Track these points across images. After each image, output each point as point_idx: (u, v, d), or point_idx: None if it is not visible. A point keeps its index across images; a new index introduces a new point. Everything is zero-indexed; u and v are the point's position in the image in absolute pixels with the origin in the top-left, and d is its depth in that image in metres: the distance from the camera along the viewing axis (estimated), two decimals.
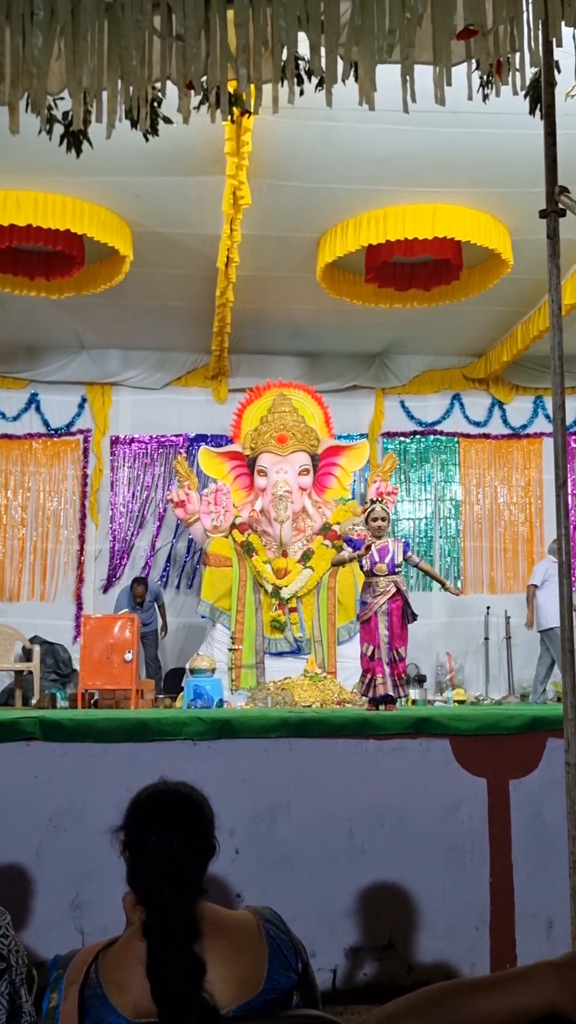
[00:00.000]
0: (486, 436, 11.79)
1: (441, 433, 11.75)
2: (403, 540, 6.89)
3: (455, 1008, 1.48)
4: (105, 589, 11.20)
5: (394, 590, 6.59)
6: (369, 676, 6.61)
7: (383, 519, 6.79)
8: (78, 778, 4.58)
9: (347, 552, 7.08)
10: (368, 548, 6.74)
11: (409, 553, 6.76)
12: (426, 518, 11.66)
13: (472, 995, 1.50)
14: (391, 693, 6.48)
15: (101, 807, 4.40)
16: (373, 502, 7.04)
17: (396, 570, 6.67)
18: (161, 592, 10.88)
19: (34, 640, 10.22)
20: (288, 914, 4.21)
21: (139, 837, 2.03)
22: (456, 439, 11.77)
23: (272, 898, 4.45)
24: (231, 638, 9.48)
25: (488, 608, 11.25)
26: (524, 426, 11.76)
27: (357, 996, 4.39)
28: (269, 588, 9.53)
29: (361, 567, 6.85)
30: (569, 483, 10.11)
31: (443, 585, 7.10)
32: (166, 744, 4.66)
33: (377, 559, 6.64)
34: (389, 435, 11.72)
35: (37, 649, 9.86)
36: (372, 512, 6.85)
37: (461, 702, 9.70)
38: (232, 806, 4.54)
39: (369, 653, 6.61)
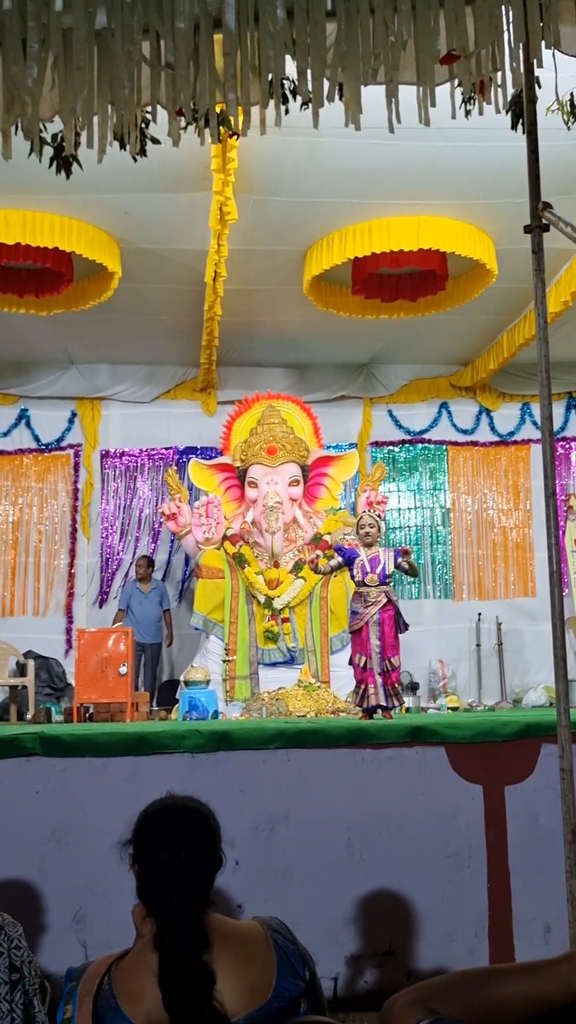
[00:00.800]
0: (474, 444, 11.87)
1: (429, 441, 11.83)
2: (393, 549, 6.89)
3: (489, 990, 1.60)
4: (100, 604, 11.22)
5: (385, 600, 6.62)
6: (362, 687, 6.64)
7: (371, 526, 6.82)
8: (79, 793, 4.63)
9: (334, 562, 7.12)
10: (337, 567, 6.83)
11: (400, 560, 6.77)
12: (416, 526, 11.72)
13: (505, 979, 1.62)
14: (383, 703, 6.49)
15: (103, 821, 4.45)
16: (362, 513, 7.11)
17: (387, 580, 6.70)
18: (167, 595, 10.93)
19: (28, 655, 10.24)
20: (289, 923, 4.26)
21: (149, 850, 2.07)
22: (444, 447, 11.85)
23: (273, 907, 4.50)
24: (225, 649, 9.52)
25: (479, 615, 11.32)
26: (511, 433, 11.85)
27: (359, 1003, 4.44)
28: (262, 599, 9.58)
29: (352, 577, 6.87)
30: (557, 489, 10.20)
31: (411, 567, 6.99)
32: (165, 757, 4.71)
33: (368, 569, 6.68)
34: (378, 444, 11.80)
35: (32, 664, 9.87)
36: (361, 520, 6.90)
37: (455, 709, 9.75)
38: (232, 817, 4.55)
39: (362, 664, 6.63)
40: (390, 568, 6.72)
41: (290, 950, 2.13)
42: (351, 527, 9.84)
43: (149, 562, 10.79)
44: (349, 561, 6.88)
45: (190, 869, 2.04)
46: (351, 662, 6.81)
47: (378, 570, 6.66)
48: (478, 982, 1.61)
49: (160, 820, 2.12)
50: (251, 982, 2.02)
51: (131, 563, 11.17)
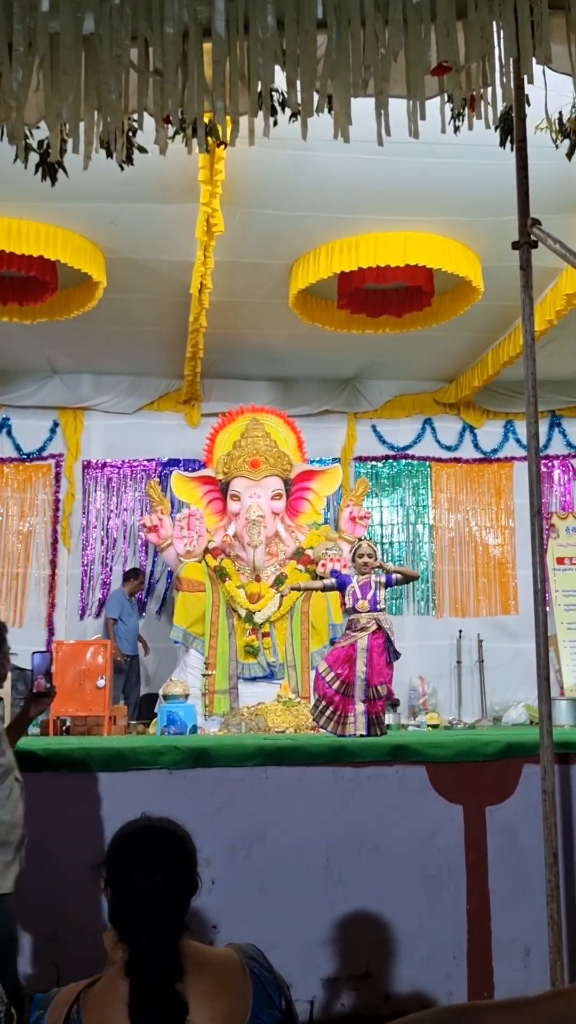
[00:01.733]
0: (457, 460, 11.85)
1: (413, 457, 11.81)
2: (383, 575, 6.79)
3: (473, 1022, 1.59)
4: (81, 616, 11.13)
5: (375, 627, 6.54)
6: (331, 708, 6.46)
7: (370, 555, 6.75)
8: (53, 809, 4.54)
9: (328, 582, 7.06)
10: (329, 588, 6.82)
11: (392, 577, 6.72)
12: (399, 542, 11.69)
13: (488, 1016, 1.61)
14: (364, 733, 6.34)
15: (78, 838, 4.38)
16: (360, 539, 7.04)
17: (378, 607, 6.64)
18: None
19: None
20: (265, 944, 4.19)
21: (122, 874, 2.01)
22: (428, 463, 11.83)
23: (249, 929, 4.44)
24: (204, 663, 9.45)
25: (460, 631, 11.28)
26: (495, 450, 11.85)
27: None
28: (242, 613, 9.51)
29: (343, 604, 6.80)
30: (542, 508, 10.18)
31: (405, 575, 6.99)
32: (142, 773, 4.64)
33: (359, 596, 6.61)
34: (361, 459, 11.77)
35: (8, 675, 9.76)
36: (359, 549, 6.81)
37: (435, 726, 9.70)
38: (208, 836, 4.51)
39: (335, 685, 6.46)
40: (381, 594, 6.65)
41: (266, 979, 2.06)
42: (333, 541, 9.80)
43: (141, 582, 10.77)
44: (341, 587, 6.82)
45: (165, 893, 1.98)
46: (318, 672, 6.67)
47: (369, 596, 6.60)
48: (461, 1019, 1.57)
49: (134, 842, 2.06)
50: (227, 1012, 1.96)
51: (103, 574, 11.10)
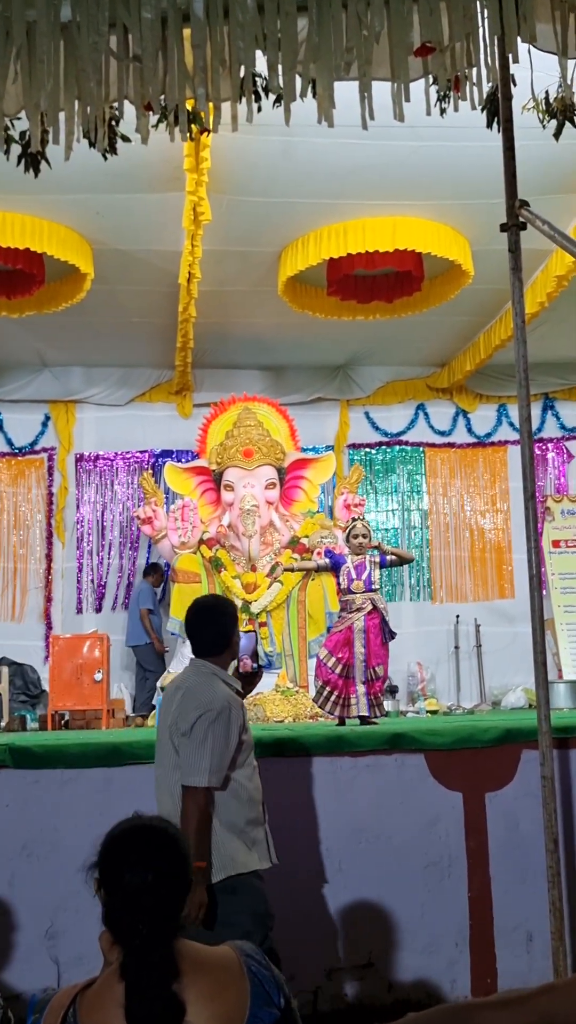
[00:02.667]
0: (451, 445, 11.82)
1: (406, 443, 11.78)
2: (377, 555, 6.79)
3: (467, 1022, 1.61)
4: (78, 610, 11.09)
5: (371, 607, 6.54)
6: (335, 692, 6.48)
7: (364, 536, 6.74)
8: (51, 805, 4.52)
9: (322, 561, 7.04)
10: (323, 568, 6.78)
11: (386, 558, 6.72)
12: (394, 528, 11.67)
13: (482, 1013, 1.62)
14: (366, 714, 6.37)
15: (75, 834, 4.35)
16: (354, 520, 7.00)
17: (373, 587, 6.63)
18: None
19: (2, 661, 10.11)
20: None
21: (113, 875, 1.98)
22: (421, 449, 11.80)
23: None
24: None
25: (458, 617, 11.27)
26: (488, 434, 11.81)
27: (338, 1017, 4.36)
28: (239, 603, 9.48)
29: (338, 584, 6.78)
30: (536, 491, 10.15)
31: (400, 556, 6.99)
32: (139, 768, 4.60)
33: (354, 576, 6.60)
34: (355, 447, 11.73)
35: (5, 671, 9.74)
36: (353, 529, 6.80)
37: (433, 712, 9.70)
38: None
39: (337, 669, 6.48)
40: (376, 574, 6.64)
41: (264, 976, 2.03)
42: (328, 529, 9.77)
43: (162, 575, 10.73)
44: (336, 566, 6.80)
45: (157, 893, 1.94)
46: (319, 659, 6.67)
47: (364, 576, 6.59)
48: (456, 1018, 1.56)
49: (125, 842, 2.02)
50: (224, 1012, 1.93)
51: (98, 567, 11.08)
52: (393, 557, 6.83)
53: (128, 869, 1.96)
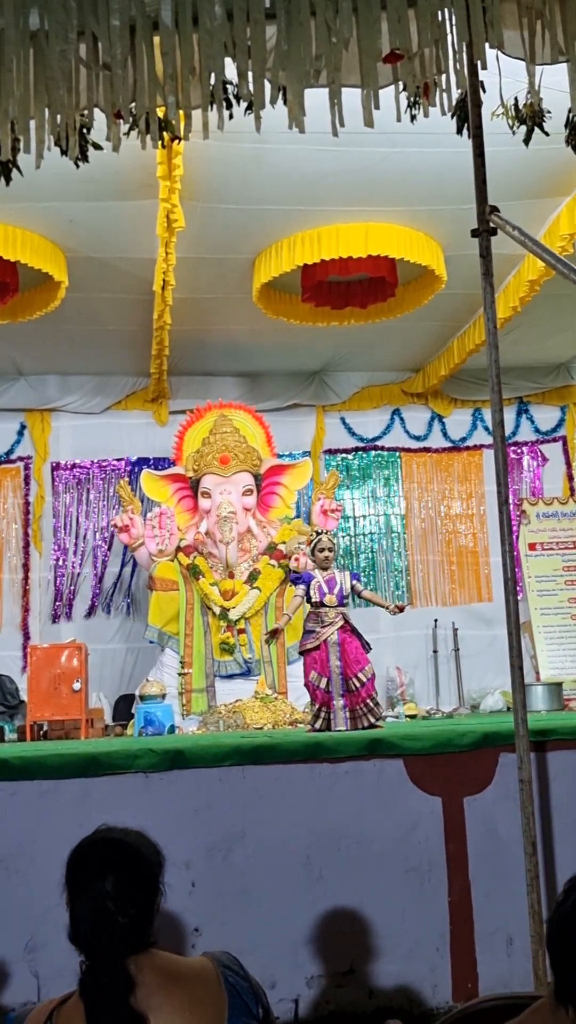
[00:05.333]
0: (427, 450, 11.85)
1: (382, 448, 11.80)
2: (350, 571, 6.79)
3: None
4: (55, 619, 11.03)
5: (342, 621, 6.53)
6: (323, 709, 6.44)
7: (330, 550, 6.73)
8: (29, 817, 4.49)
9: (297, 600, 6.91)
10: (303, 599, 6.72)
11: (356, 583, 6.71)
12: (371, 534, 11.68)
13: None
14: (342, 728, 6.30)
15: (54, 846, 4.29)
16: (318, 533, 6.97)
17: (344, 601, 6.62)
18: None
19: None
20: (248, 945, 4.18)
21: (75, 888, 1.97)
22: (397, 454, 11.82)
23: (231, 930, 4.41)
24: (180, 662, 9.39)
25: (436, 621, 11.30)
26: (464, 439, 11.85)
27: None
28: (217, 610, 9.46)
29: (308, 599, 6.72)
30: (511, 495, 10.20)
31: (387, 608, 6.97)
32: (118, 778, 4.59)
33: (326, 590, 6.58)
34: (331, 452, 11.74)
35: None
36: (319, 543, 6.78)
37: (412, 716, 9.70)
38: (187, 838, 4.48)
39: (323, 686, 6.45)
40: (347, 588, 6.64)
41: (243, 987, 2.02)
42: (305, 535, 9.76)
43: None
44: (306, 583, 6.76)
45: (116, 908, 1.92)
46: (307, 683, 6.64)
47: (335, 590, 6.57)
48: None
49: (83, 857, 2.01)
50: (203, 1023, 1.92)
51: (75, 576, 11.04)
52: (367, 597, 6.90)
53: (88, 882, 1.95)
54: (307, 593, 6.69)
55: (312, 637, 6.54)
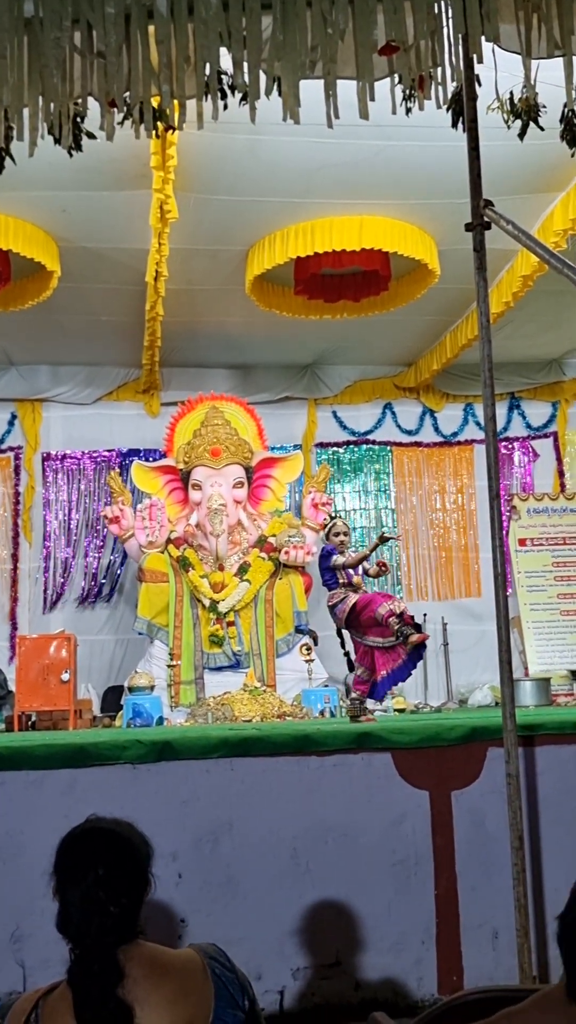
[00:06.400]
0: (418, 444, 11.85)
1: (374, 442, 11.80)
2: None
3: None
4: (44, 609, 11.01)
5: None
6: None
7: (345, 534, 6.82)
8: (16, 808, 4.48)
9: (343, 558, 7.07)
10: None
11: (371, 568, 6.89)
12: (361, 528, 11.68)
13: None
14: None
15: (40, 837, 4.30)
16: (332, 517, 7.04)
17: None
18: None
19: None
20: (234, 936, 4.19)
21: (64, 878, 1.97)
22: (389, 448, 11.82)
23: (217, 921, 4.41)
24: (169, 654, 9.39)
25: (425, 615, 11.27)
26: (455, 433, 11.86)
27: (305, 1017, 4.35)
28: (206, 602, 9.46)
29: (334, 580, 6.82)
30: (502, 490, 10.23)
31: (377, 544, 7.07)
32: (106, 769, 4.58)
33: (353, 573, 6.67)
34: (322, 445, 11.73)
35: None
36: (334, 528, 6.85)
37: (401, 710, 9.71)
38: (174, 829, 4.48)
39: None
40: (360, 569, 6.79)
41: (229, 979, 2.03)
42: (296, 528, 9.76)
43: None
44: (329, 555, 6.89)
45: (106, 897, 1.93)
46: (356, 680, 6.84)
47: (360, 571, 6.71)
48: None
49: (75, 846, 2.01)
50: (187, 1016, 1.92)
51: (65, 567, 11.01)
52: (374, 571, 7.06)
53: (80, 871, 1.95)
54: (330, 572, 6.80)
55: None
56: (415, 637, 6.73)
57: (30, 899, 4.25)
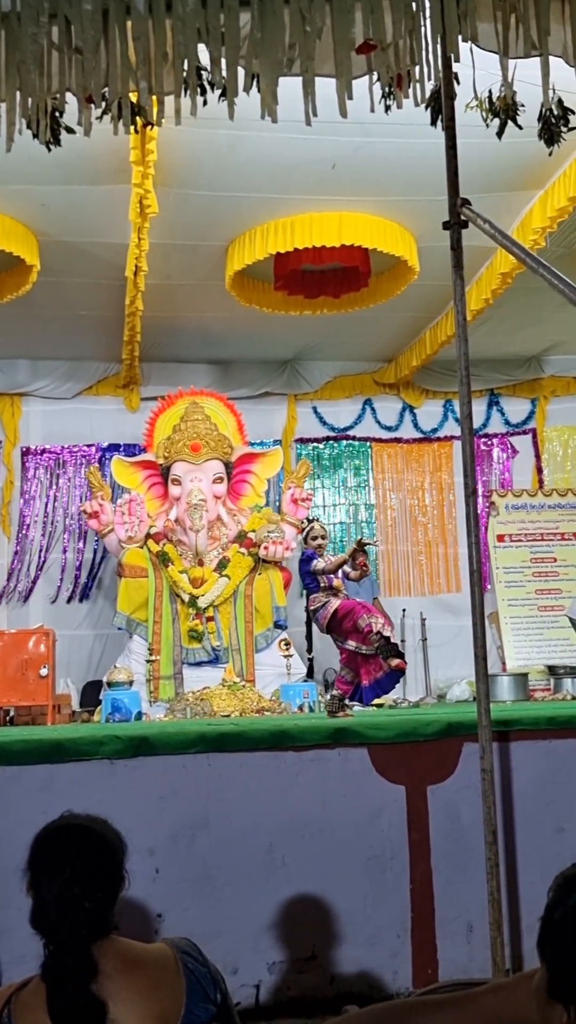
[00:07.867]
0: (398, 440, 11.89)
1: (353, 438, 11.82)
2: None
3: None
4: (22, 604, 10.98)
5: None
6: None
7: (323, 537, 6.82)
8: None
9: (323, 563, 7.08)
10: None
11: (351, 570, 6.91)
12: (341, 523, 11.71)
13: (427, 1014, 1.56)
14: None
15: (16, 832, 4.29)
16: (310, 521, 7.05)
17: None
18: None
19: None
20: (210, 931, 4.21)
21: (37, 873, 1.98)
22: (368, 444, 11.85)
23: (194, 916, 4.43)
24: (148, 649, 9.38)
25: (404, 611, 11.33)
26: (435, 430, 11.89)
27: (281, 1010, 4.38)
28: (186, 598, 9.46)
29: (315, 585, 6.84)
30: (480, 486, 10.27)
31: (355, 550, 7.10)
32: (83, 764, 4.59)
33: (333, 577, 6.69)
34: (302, 441, 11.75)
35: None
36: (311, 532, 6.86)
37: (380, 705, 9.75)
38: (151, 825, 4.49)
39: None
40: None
41: (201, 973, 2.04)
42: (275, 524, 9.77)
43: None
44: (309, 560, 6.89)
45: (80, 893, 1.94)
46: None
47: (340, 575, 6.72)
48: (398, 1019, 1.54)
49: (45, 843, 2.02)
50: (159, 1010, 1.94)
51: (43, 562, 10.98)
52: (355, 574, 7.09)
53: (55, 867, 1.96)
54: (310, 577, 6.81)
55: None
56: (395, 663, 6.77)
57: (5, 895, 4.25)
